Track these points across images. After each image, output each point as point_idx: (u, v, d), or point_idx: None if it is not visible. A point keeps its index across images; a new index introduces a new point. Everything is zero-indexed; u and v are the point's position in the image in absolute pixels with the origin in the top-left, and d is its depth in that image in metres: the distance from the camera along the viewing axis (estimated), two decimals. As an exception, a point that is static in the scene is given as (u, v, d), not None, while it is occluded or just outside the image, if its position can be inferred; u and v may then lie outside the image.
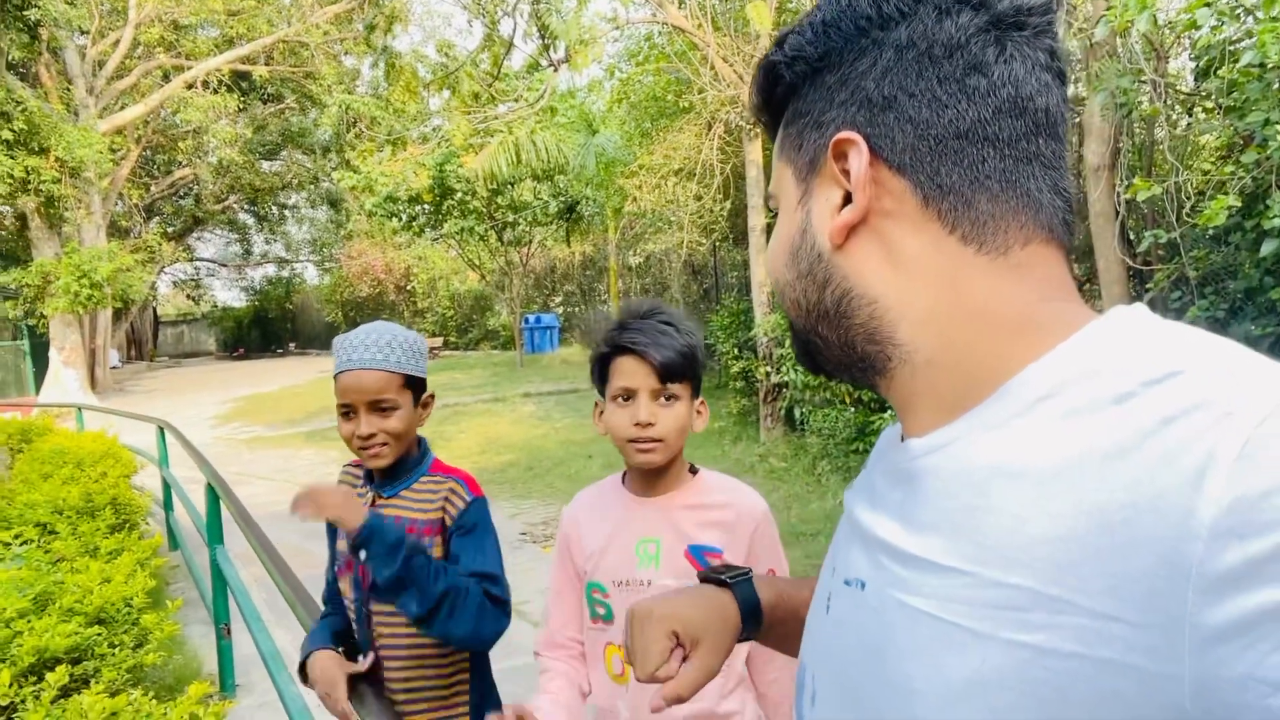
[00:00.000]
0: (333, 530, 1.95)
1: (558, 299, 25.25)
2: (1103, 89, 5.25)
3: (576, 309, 24.52)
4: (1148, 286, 6.01)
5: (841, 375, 0.70)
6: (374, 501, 1.86)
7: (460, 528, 1.79)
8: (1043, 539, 0.49)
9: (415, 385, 1.88)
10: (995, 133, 0.60)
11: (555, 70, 18.68)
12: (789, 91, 0.68)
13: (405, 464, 1.88)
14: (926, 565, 0.55)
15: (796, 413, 8.91)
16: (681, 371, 1.54)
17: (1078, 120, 6.84)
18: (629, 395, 1.55)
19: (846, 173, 0.62)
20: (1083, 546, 0.48)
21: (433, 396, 1.94)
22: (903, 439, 0.65)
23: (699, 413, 1.61)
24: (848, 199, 0.63)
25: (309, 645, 1.84)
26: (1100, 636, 0.46)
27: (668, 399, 1.55)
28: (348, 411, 1.82)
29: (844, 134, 0.62)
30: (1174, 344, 0.52)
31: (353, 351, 1.81)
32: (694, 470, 1.65)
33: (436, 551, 1.81)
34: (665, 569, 1.55)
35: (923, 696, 0.53)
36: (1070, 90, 8.01)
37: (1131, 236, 6.61)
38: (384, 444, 1.81)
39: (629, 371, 1.55)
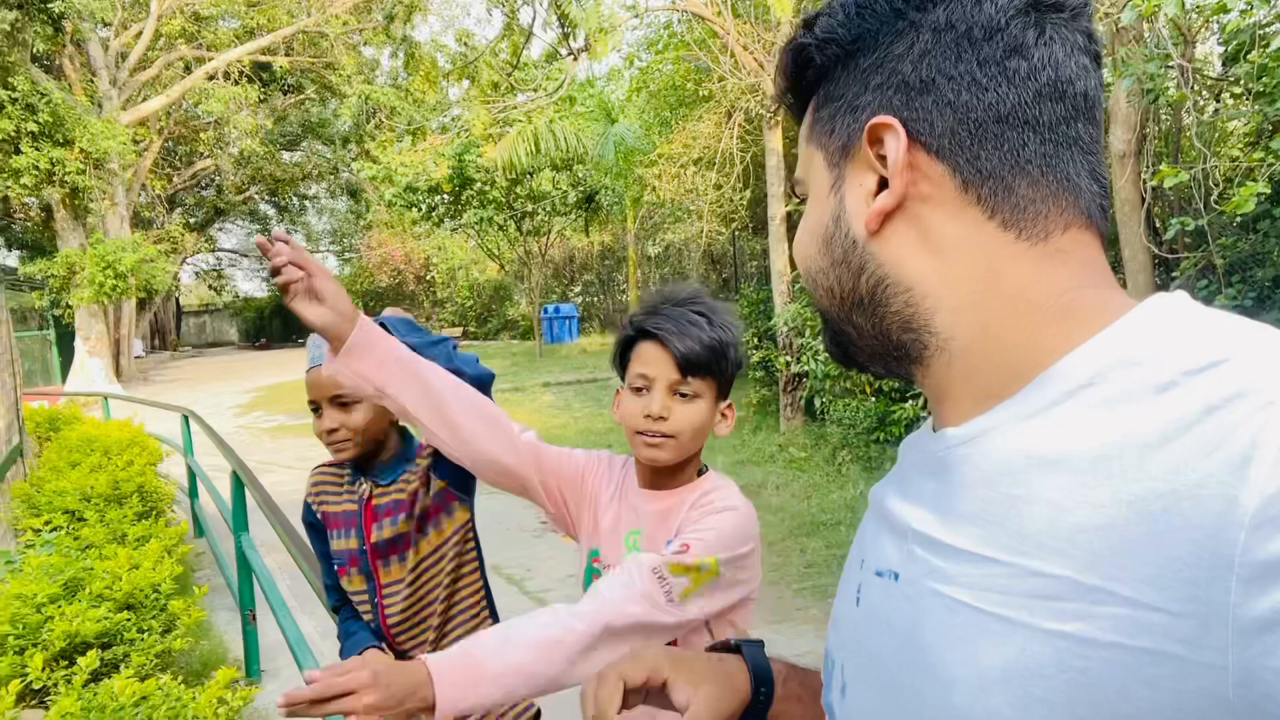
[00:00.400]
0: (320, 533, 1.98)
1: (576, 289, 25.27)
2: (1129, 74, 5.19)
3: (595, 299, 24.53)
4: (1173, 275, 5.95)
5: (874, 365, 0.69)
6: (370, 493, 1.90)
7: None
8: (1082, 528, 0.49)
9: None
10: (1035, 116, 0.59)
11: (574, 59, 18.64)
12: (820, 75, 0.66)
13: (394, 454, 1.91)
14: (964, 555, 0.55)
15: (817, 402, 8.89)
16: (705, 366, 1.43)
17: (1104, 107, 6.76)
18: (646, 384, 1.45)
19: (882, 158, 0.61)
20: (1122, 536, 0.47)
21: None
22: (934, 429, 0.64)
23: (724, 416, 1.49)
24: (883, 184, 0.62)
25: (359, 645, 1.85)
26: (1140, 626, 0.46)
27: (686, 394, 1.43)
28: (316, 408, 1.86)
29: (880, 118, 0.61)
30: (1216, 332, 0.52)
31: (315, 349, 1.84)
32: (702, 471, 1.53)
33: (405, 527, 1.87)
34: None
35: (960, 685, 0.53)
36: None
37: (1157, 224, 6.53)
38: (346, 438, 1.85)
39: (649, 359, 1.45)
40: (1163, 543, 0.46)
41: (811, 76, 0.67)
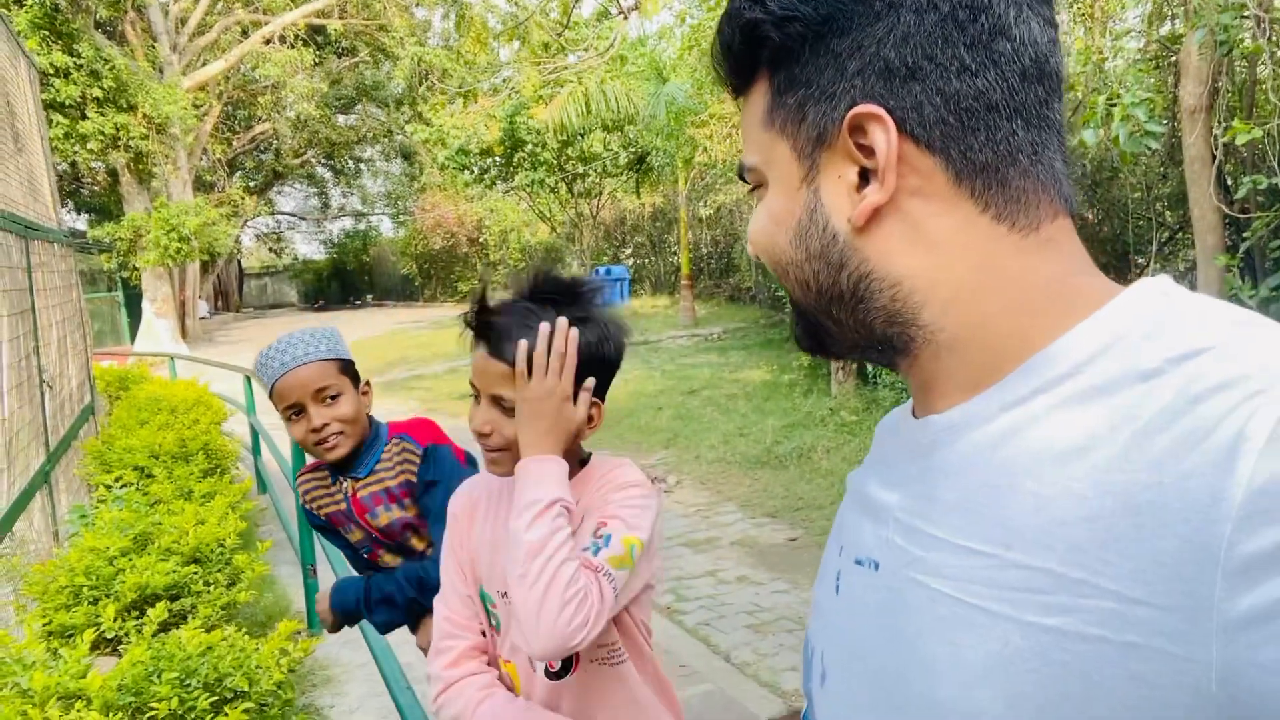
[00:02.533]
0: (332, 531, 2.00)
1: (628, 250, 25.21)
2: (1202, 25, 4.96)
3: (646, 260, 24.45)
4: (1244, 235, 5.73)
5: (852, 355, 0.67)
6: (353, 490, 1.90)
7: (423, 483, 1.86)
8: (1066, 520, 0.48)
9: (351, 372, 1.92)
10: (1023, 102, 0.56)
11: (625, 18, 18.41)
12: (778, 56, 0.61)
13: (365, 446, 1.92)
14: (946, 545, 0.54)
15: (869, 366, 8.79)
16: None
17: (1173, 60, 6.49)
18: (475, 392, 1.36)
19: (864, 148, 0.57)
20: (1107, 528, 0.47)
21: (369, 384, 1.94)
22: (914, 415, 0.63)
23: (591, 416, 1.34)
24: (863, 175, 0.58)
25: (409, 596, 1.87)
26: (1124, 620, 0.45)
27: (511, 408, 1.31)
28: (294, 413, 1.84)
29: (865, 108, 0.57)
30: (1202, 319, 0.51)
31: (281, 355, 1.84)
32: (585, 461, 1.41)
33: (411, 511, 1.88)
34: None
35: (944, 678, 0.53)
36: (1167, 28, 7.58)
37: (1229, 182, 6.28)
38: (338, 432, 1.84)
39: (476, 365, 1.35)
40: (1148, 535, 0.45)
41: (769, 56, 0.61)
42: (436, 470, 1.86)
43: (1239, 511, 0.42)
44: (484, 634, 1.45)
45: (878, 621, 0.60)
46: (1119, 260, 8.89)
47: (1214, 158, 5.70)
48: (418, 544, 1.94)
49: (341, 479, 1.93)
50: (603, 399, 1.39)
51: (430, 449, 1.90)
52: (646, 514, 1.32)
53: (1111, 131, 5.22)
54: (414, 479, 1.88)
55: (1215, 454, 0.44)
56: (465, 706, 1.37)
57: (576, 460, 1.40)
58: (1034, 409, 0.53)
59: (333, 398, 1.85)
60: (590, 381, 1.32)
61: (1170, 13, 7.36)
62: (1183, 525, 0.44)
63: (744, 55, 0.63)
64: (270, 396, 1.86)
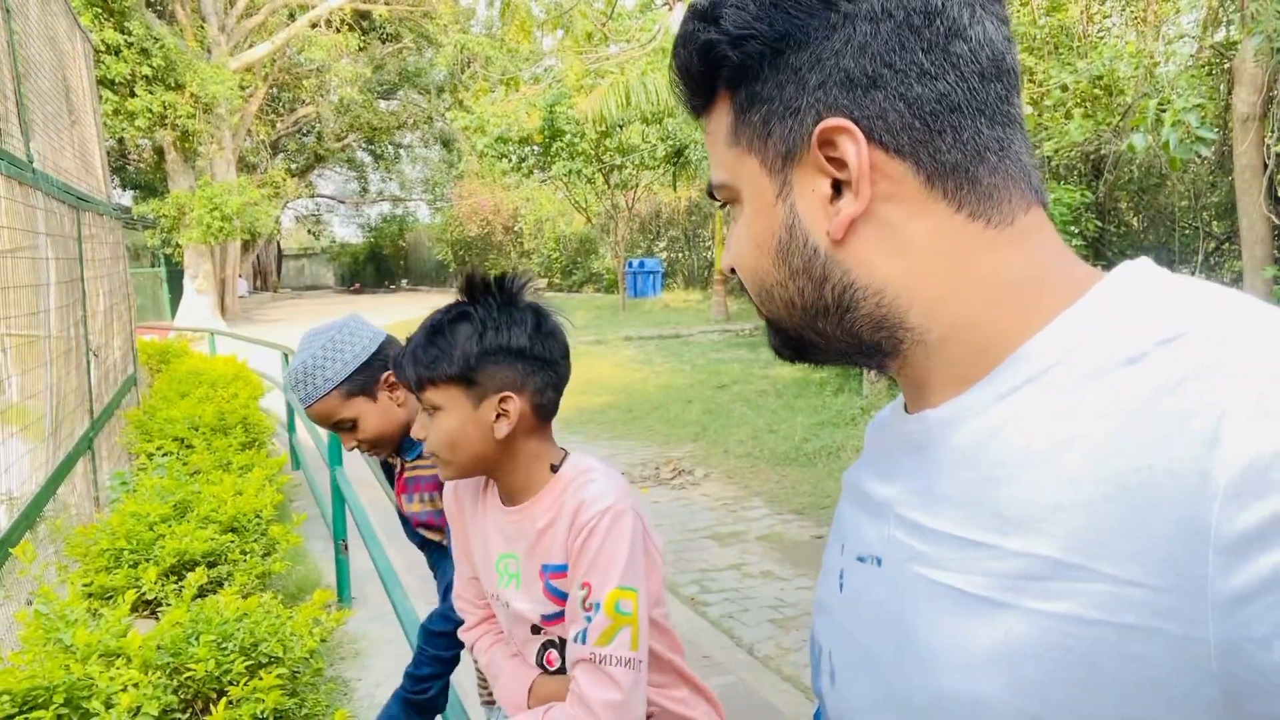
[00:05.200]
0: (442, 554, 1.96)
1: (662, 244, 25.21)
2: (1258, 31, 4.87)
3: (680, 254, 24.44)
4: (1294, 247, 5.62)
5: (839, 363, 0.67)
6: (400, 469, 1.97)
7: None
8: (1061, 507, 0.49)
9: (362, 388, 1.87)
10: (984, 100, 0.57)
11: (669, 9, 18.37)
12: (737, 74, 0.61)
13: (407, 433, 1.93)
14: (945, 538, 0.55)
15: (902, 367, 8.72)
16: (427, 379, 1.35)
17: (1227, 66, 6.36)
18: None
19: (834, 160, 0.58)
20: (1101, 513, 0.47)
21: (391, 375, 1.87)
22: (907, 411, 0.64)
23: (500, 415, 1.34)
24: (835, 186, 0.59)
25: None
26: (1123, 602, 0.46)
27: (430, 411, 1.37)
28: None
29: (832, 121, 0.57)
30: (1184, 301, 0.51)
31: (293, 392, 1.89)
32: (556, 467, 1.41)
33: (437, 505, 1.89)
34: (525, 590, 1.40)
35: (948, 670, 0.53)
36: (1222, 34, 7.43)
37: (1279, 192, 6.16)
38: (368, 449, 1.93)
39: None
40: (1141, 518, 0.46)
41: (726, 76, 0.62)
42: None
43: (1225, 490, 0.43)
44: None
45: (883, 617, 0.60)
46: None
47: (1266, 167, 5.59)
48: (432, 537, 1.96)
49: (398, 456, 1.98)
50: (558, 392, 1.40)
51: None
52: (626, 545, 1.30)
53: (1161, 137, 5.14)
54: None
55: (1200, 434, 0.45)
56: (479, 641, 1.53)
57: (548, 467, 1.40)
58: (1024, 399, 0.53)
59: (349, 427, 1.88)
60: (506, 378, 1.34)
61: (1226, 18, 7.21)
62: (1173, 506, 0.45)
63: (703, 76, 0.63)
64: None
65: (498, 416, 1.34)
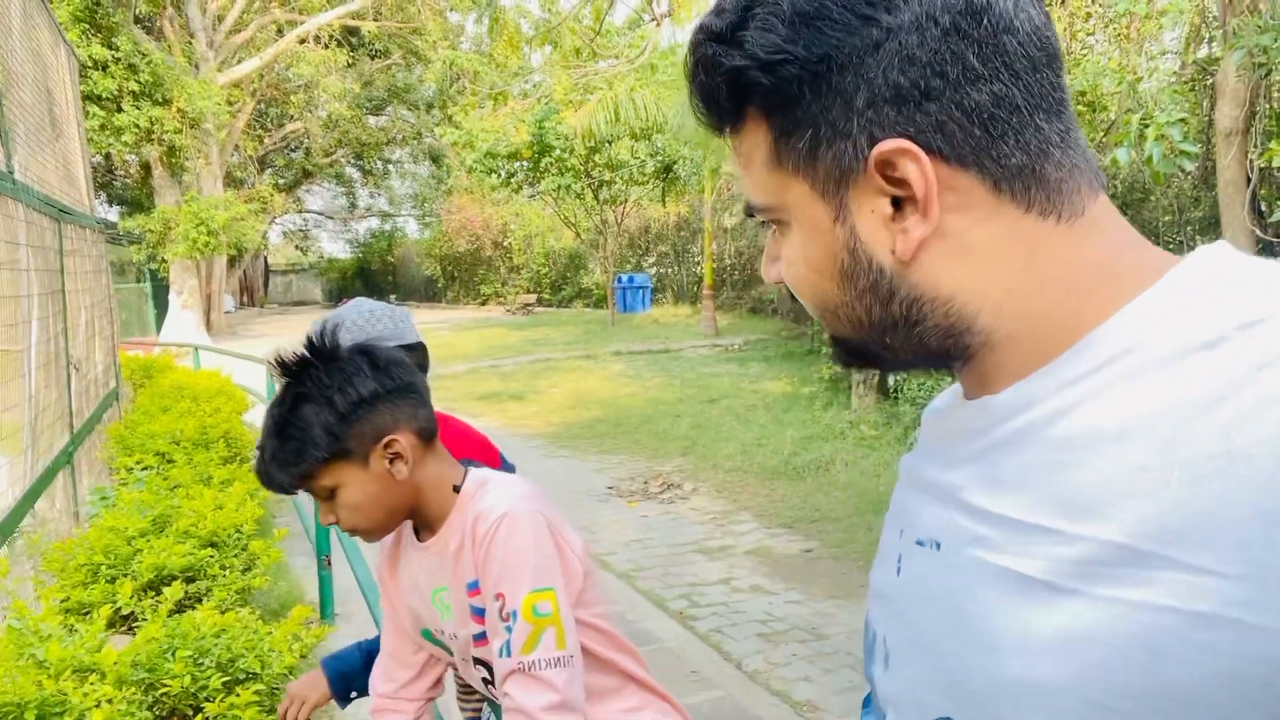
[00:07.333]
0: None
1: (651, 259, 25.22)
2: (1240, 47, 4.92)
3: (670, 270, 24.46)
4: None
5: (906, 370, 0.66)
6: None
7: None
8: (1131, 493, 0.48)
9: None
10: (1040, 92, 0.55)
11: (657, 25, 18.47)
12: (774, 98, 0.58)
13: None
14: (1010, 523, 0.54)
15: (890, 380, 8.74)
16: (298, 480, 1.30)
17: (1210, 81, 6.42)
18: None
19: (893, 180, 0.56)
20: (1174, 499, 0.46)
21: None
22: (966, 398, 0.63)
23: (394, 459, 1.32)
24: (895, 202, 0.56)
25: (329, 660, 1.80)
26: (1194, 590, 0.45)
27: (326, 497, 1.33)
28: None
29: (891, 144, 0.54)
30: (1264, 284, 0.50)
31: None
32: (459, 487, 1.40)
33: None
34: (457, 617, 1.41)
35: (1010, 654, 0.52)
36: (1204, 50, 7.51)
37: (1263, 207, 6.21)
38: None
39: None
40: (1216, 505, 0.45)
41: (759, 101, 0.58)
42: None
43: None
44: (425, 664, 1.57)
45: (941, 601, 0.59)
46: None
47: (1249, 181, 5.63)
48: None
49: None
50: (429, 407, 1.39)
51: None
52: (530, 547, 1.30)
53: (1144, 151, 5.17)
54: None
55: None
56: None
57: (451, 489, 1.39)
58: (1093, 385, 0.52)
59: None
60: (379, 426, 1.31)
61: (1208, 34, 7.29)
62: (1250, 494, 0.44)
63: (730, 102, 0.60)
64: None
65: (391, 461, 1.32)
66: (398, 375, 1.35)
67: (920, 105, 0.54)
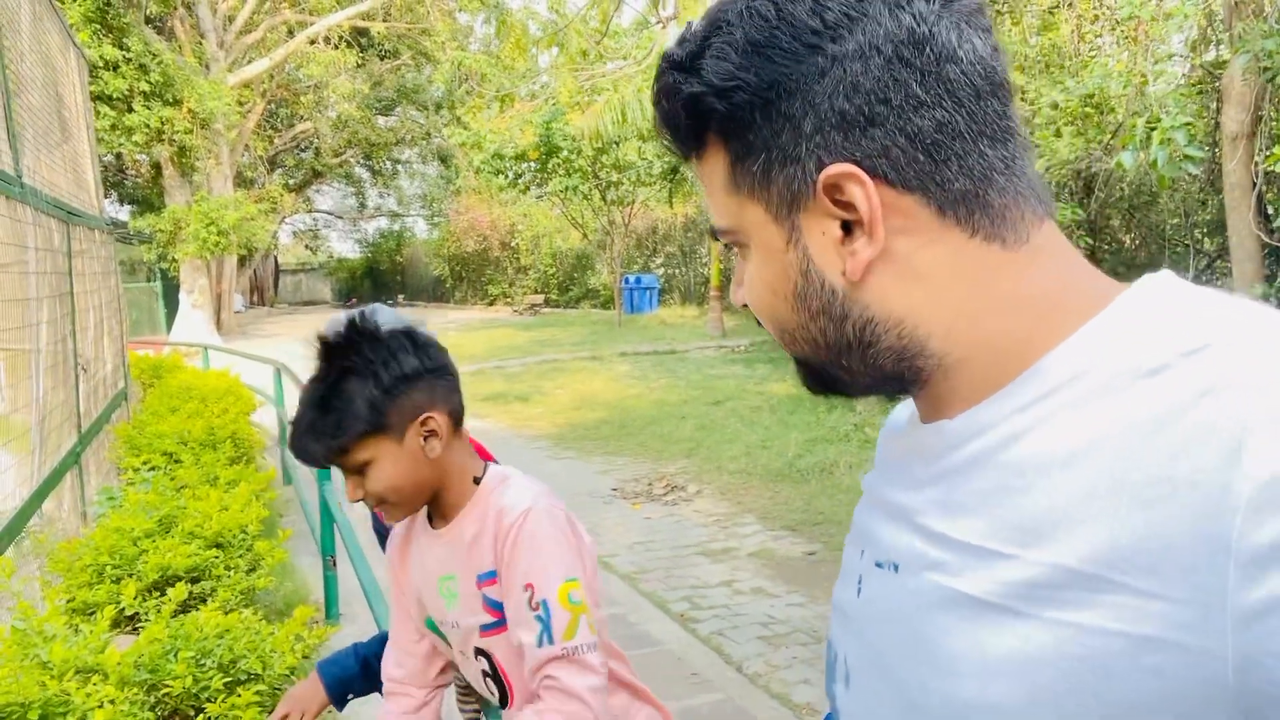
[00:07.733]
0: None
1: (658, 260, 25.23)
2: (1246, 51, 4.91)
3: (677, 271, 24.46)
4: (1284, 265, 5.64)
5: (866, 395, 0.67)
6: None
7: None
8: (1080, 518, 0.49)
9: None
10: (984, 120, 0.56)
11: (664, 27, 18.48)
12: (729, 123, 0.60)
13: None
14: (965, 548, 0.55)
15: (895, 383, 8.73)
16: (336, 453, 1.32)
17: (1216, 85, 6.40)
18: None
19: (840, 203, 0.57)
20: (1121, 524, 0.47)
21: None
22: (922, 421, 0.64)
23: (428, 436, 1.35)
24: (845, 226, 0.58)
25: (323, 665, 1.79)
26: (1141, 614, 0.46)
27: (358, 469, 1.34)
28: None
29: (836, 168, 0.56)
30: (1207, 313, 0.51)
31: None
32: (479, 480, 1.44)
33: None
34: (465, 605, 1.43)
35: (966, 677, 0.54)
36: (1211, 54, 7.48)
37: (1269, 210, 6.19)
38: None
39: None
40: (1160, 530, 0.46)
41: (716, 126, 0.61)
42: None
43: (1248, 504, 0.43)
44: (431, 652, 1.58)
45: (900, 623, 0.60)
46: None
47: (1255, 185, 5.62)
48: None
49: None
50: (460, 394, 1.42)
51: None
52: (556, 540, 1.35)
53: (1150, 155, 5.16)
54: None
55: (1223, 447, 0.44)
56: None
57: (471, 480, 1.43)
58: (1043, 411, 0.53)
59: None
60: (417, 403, 1.35)
61: (1215, 38, 7.26)
62: (1194, 519, 0.45)
63: (690, 127, 0.62)
64: None
65: (426, 439, 1.35)
66: (436, 356, 1.40)
67: (865, 131, 0.56)
